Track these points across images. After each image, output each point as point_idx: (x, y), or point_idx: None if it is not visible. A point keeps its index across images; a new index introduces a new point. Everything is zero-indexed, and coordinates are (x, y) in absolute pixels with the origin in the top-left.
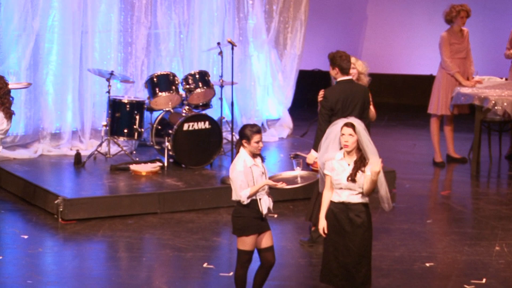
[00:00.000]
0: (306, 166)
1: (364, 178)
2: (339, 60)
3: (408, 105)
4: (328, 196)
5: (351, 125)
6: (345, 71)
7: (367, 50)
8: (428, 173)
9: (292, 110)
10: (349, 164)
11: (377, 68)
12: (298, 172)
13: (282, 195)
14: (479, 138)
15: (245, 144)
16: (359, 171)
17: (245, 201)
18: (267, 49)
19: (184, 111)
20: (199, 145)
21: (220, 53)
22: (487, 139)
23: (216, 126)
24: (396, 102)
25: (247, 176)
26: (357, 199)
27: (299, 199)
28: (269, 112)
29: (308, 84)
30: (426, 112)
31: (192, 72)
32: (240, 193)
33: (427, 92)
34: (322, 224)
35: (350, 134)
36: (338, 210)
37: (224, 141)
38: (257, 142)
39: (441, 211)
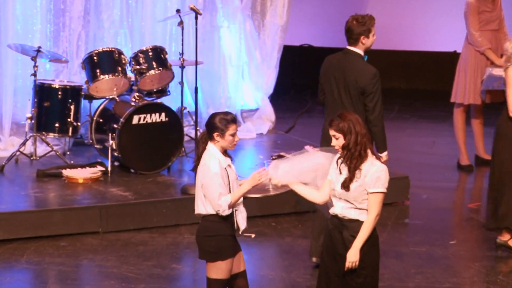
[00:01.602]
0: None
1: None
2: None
3: (425, 91)
4: (315, 193)
5: (330, 124)
6: None
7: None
8: (452, 180)
9: (275, 98)
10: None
11: (384, 43)
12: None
13: (262, 208)
14: None
15: (217, 138)
16: (355, 179)
17: (226, 211)
18: (241, 19)
19: (133, 99)
20: (153, 143)
21: (180, 23)
22: None
23: (175, 119)
24: (410, 87)
25: (223, 181)
26: (354, 214)
27: (284, 214)
28: (244, 101)
29: (295, 64)
30: (449, 101)
31: (144, 49)
32: (219, 201)
33: (450, 74)
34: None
35: (334, 136)
36: (333, 226)
37: (186, 138)
38: (233, 135)
39: (468, 229)
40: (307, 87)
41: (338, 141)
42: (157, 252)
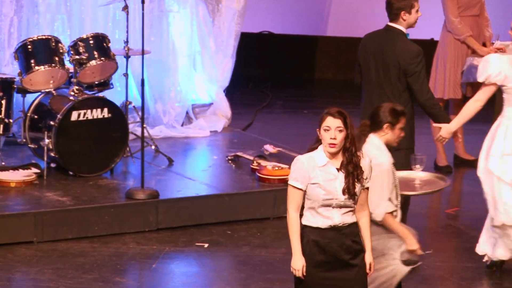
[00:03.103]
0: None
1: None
2: None
3: None
4: (298, 220)
5: (340, 115)
6: None
7: (339, 5)
8: None
9: (231, 92)
10: (338, 170)
11: (354, 30)
12: (417, 172)
13: (216, 215)
14: None
15: (386, 130)
16: (356, 181)
17: (378, 218)
18: (193, 3)
19: (72, 93)
20: (94, 143)
21: (125, 8)
22: None
23: (119, 115)
24: None
25: (390, 180)
26: (350, 218)
27: (241, 221)
28: (196, 95)
29: (254, 53)
30: None
31: (84, 37)
32: (381, 202)
33: (427, 65)
34: (299, 263)
35: (339, 128)
36: (329, 240)
37: (131, 136)
38: (401, 129)
39: (445, 237)
40: (267, 79)
41: (340, 134)
42: (98, 264)
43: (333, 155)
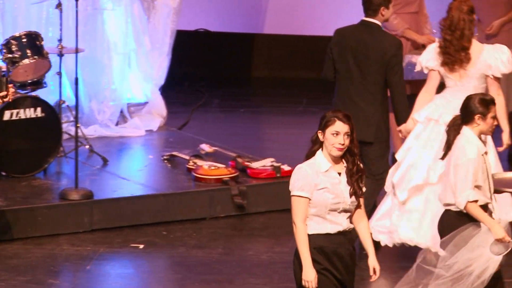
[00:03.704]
0: None
1: None
2: None
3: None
4: (306, 231)
5: (349, 119)
6: None
7: (275, 2)
8: None
9: (166, 90)
10: (340, 174)
11: (289, 28)
12: None
13: (151, 215)
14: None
15: (478, 121)
16: (361, 183)
17: (460, 207)
18: (128, 1)
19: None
20: (27, 142)
21: (59, 6)
22: None
23: (52, 114)
24: (318, 78)
25: (478, 169)
26: (350, 223)
27: (176, 221)
28: (131, 93)
29: (190, 51)
30: None
31: (17, 35)
32: (463, 192)
33: None
34: (311, 274)
35: (348, 133)
36: (336, 245)
37: (65, 136)
38: (494, 118)
39: None
40: (203, 78)
41: (348, 139)
42: (32, 266)
43: (335, 159)
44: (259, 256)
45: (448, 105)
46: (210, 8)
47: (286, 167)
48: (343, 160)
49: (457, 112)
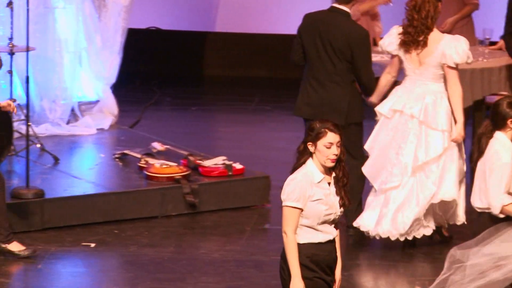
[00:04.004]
0: None
1: None
2: None
3: (289, 80)
4: (296, 242)
5: (338, 129)
6: None
7: (227, 0)
8: None
9: (118, 89)
10: (329, 184)
11: (242, 26)
12: None
13: (102, 214)
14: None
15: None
16: (343, 193)
17: (495, 211)
18: None
19: None
20: None
21: (10, 4)
22: None
23: (3, 113)
24: (272, 76)
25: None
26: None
27: (128, 220)
28: (82, 92)
29: (141, 49)
30: None
31: None
32: (497, 196)
33: None
34: (299, 286)
35: (339, 143)
36: (326, 253)
37: (16, 135)
38: None
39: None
40: (154, 76)
41: (339, 148)
42: None
43: (326, 170)
44: (211, 255)
45: (409, 94)
46: (162, 6)
47: (238, 166)
48: (330, 169)
49: (419, 100)
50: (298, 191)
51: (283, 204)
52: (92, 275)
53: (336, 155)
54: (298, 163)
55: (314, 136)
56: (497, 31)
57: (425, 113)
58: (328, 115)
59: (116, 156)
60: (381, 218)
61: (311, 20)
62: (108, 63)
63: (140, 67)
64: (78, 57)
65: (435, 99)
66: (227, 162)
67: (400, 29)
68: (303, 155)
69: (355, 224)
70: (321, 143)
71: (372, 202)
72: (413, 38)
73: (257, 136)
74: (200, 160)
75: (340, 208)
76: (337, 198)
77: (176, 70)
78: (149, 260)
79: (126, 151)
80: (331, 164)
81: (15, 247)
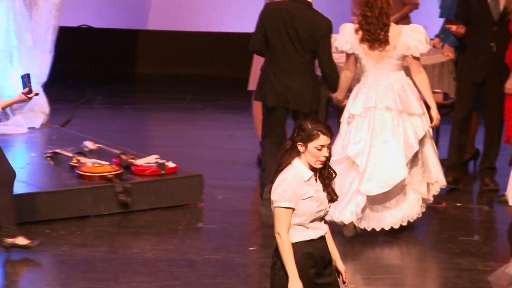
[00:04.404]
0: None
1: None
2: None
3: (220, 78)
4: (290, 242)
5: (329, 130)
6: None
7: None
8: (251, 178)
9: (49, 88)
10: (316, 180)
11: (173, 24)
12: None
13: (33, 213)
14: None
15: None
16: (330, 188)
17: None
18: None
19: None
20: None
21: None
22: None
23: None
24: (203, 74)
25: None
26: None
27: (59, 219)
28: (13, 91)
29: (72, 47)
30: (247, 88)
31: None
32: None
33: (248, 59)
34: (298, 286)
35: (330, 145)
36: (320, 250)
37: None
38: None
39: (269, 233)
40: (86, 74)
41: (328, 152)
42: None
43: (311, 168)
44: (144, 254)
45: (376, 90)
46: (93, 4)
47: (170, 164)
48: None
49: (388, 91)
50: (290, 191)
51: (275, 205)
52: (24, 275)
53: (326, 157)
54: (285, 163)
55: (305, 137)
56: (431, 29)
57: (400, 101)
58: (293, 103)
59: (48, 155)
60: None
61: (274, 9)
62: (39, 62)
63: (72, 65)
64: (9, 56)
65: (403, 86)
66: (160, 161)
67: (354, 27)
68: (290, 154)
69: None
70: (312, 145)
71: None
72: (375, 36)
73: (189, 134)
74: (132, 159)
75: (329, 203)
76: (325, 194)
77: (108, 68)
78: (82, 259)
79: (57, 150)
80: (319, 166)
81: (21, 241)
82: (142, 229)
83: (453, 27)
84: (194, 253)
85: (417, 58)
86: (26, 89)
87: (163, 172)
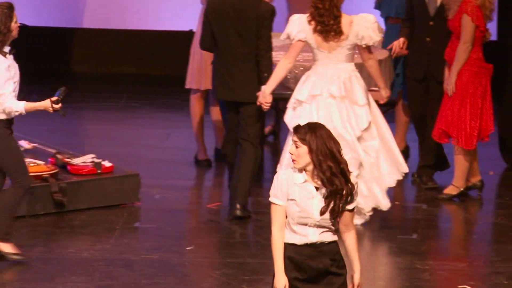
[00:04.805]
0: None
1: None
2: None
3: (157, 77)
4: (282, 239)
5: (296, 129)
6: None
7: None
8: (188, 177)
9: None
10: (317, 188)
11: (109, 22)
12: None
13: None
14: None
15: None
16: (333, 201)
17: None
18: None
19: None
20: None
21: None
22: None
23: None
24: (140, 72)
25: None
26: (330, 237)
27: None
28: None
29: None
30: (184, 87)
31: None
32: None
33: (186, 57)
34: (281, 281)
35: (296, 142)
36: (305, 257)
37: None
38: None
39: (207, 233)
40: (21, 73)
41: (298, 149)
42: None
43: (309, 173)
44: (80, 254)
45: (324, 78)
46: (28, 2)
47: (107, 163)
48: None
49: (334, 80)
50: (277, 187)
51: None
52: None
53: (291, 153)
54: None
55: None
56: None
57: (345, 89)
58: (242, 95)
59: None
60: None
61: (217, 3)
62: None
63: None
64: None
65: (350, 77)
66: (96, 160)
67: (306, 17)
68: None
69: None
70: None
71: None
72: (328, 27)
73: (126, 133)
74: (68, 158)
75: (321, 214)
76: (320, 204)
77: (44, 67)
78: (17, 260)
79: None
80: (294, 164)
81: (8, 248)
82: (78, 228)
83: (394, 50)
84: (131, 253)
85: (369, 46)
86: (55, 98)
87: (99, 171)
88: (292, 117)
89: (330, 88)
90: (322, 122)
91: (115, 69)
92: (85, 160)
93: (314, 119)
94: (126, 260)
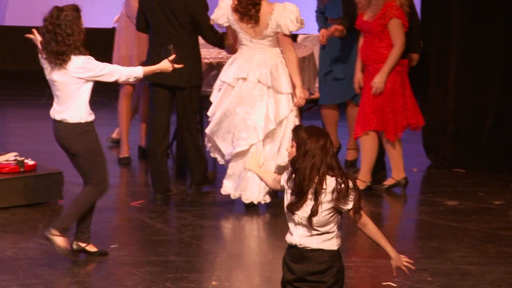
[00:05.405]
0: None
1: None
2: None
3: None
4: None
5: (296, 130)
6: None
7: None
8: (112, 175)
9: None
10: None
11: (32, 19)
12: None
13: None
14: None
15: None
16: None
17: None
18: None
19: None
20: None
21: None
22: None
23: None
24: None
25: None
26: (316, 243)
27: None
28: None
29: None
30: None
31: None
32: None
33: (109, 51)
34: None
35: (292, 141)
36: (292, 257)
37: None
38: None
39: (130, 230)
40: None
41: (292, 148)
42: None
43: None
44: (3, 252)
45: (250, 63)
46: None
47: (30, 161)
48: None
49: (262, 66)
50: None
51: None
52: None
53: (287, 151)
54: None
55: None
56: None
57: (271, 78)
58: (171, 79)
59: None
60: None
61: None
62: None
63: None
64: None
65: (277, 64)
66: (19, 158)
67: (230, 2)
68: None
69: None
70: None
71: (228, 170)
72: (245, 11)
73: (49, 131)
74: None
75: (309, 219)
76: (312, 204)
77: None
78: None
79: None
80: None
81: (91, 248)
82: (1, 227)
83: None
84: (55, 252)
85: (287, 36)
86: (174, 56)
87: (22, 169)
88: (216, 98)
89: (257, 73)
90: (242, 105)
91: (37, 66)
92: (8, 158)
93: (235, 101)
94: (49, 259)
